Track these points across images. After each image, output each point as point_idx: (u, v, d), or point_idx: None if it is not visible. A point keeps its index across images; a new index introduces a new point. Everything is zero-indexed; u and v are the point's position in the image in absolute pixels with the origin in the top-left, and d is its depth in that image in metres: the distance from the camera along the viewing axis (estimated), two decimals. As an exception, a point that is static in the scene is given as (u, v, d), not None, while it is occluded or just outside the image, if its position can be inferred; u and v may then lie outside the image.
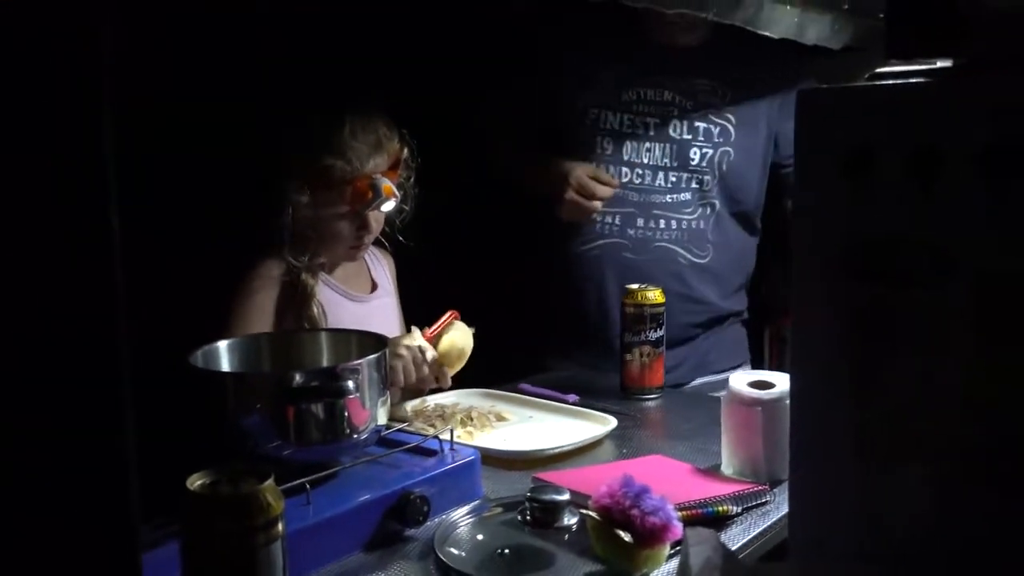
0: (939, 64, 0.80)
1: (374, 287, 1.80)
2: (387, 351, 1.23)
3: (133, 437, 0.45)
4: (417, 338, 1.58)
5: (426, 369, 1.57)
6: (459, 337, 1.63)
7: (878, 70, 0.81)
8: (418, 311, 1.72)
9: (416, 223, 1.73)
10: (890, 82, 0.79)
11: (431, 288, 1.79)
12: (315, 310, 1.63)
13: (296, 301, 1.62)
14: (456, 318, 1.64)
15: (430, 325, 1.63)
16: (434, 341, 1.60)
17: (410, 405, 1.64)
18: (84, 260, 0.44)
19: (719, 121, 1.95)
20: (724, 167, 1.96)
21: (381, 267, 1.85)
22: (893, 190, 0.76)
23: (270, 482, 0.86)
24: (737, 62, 1.93)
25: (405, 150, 1.67)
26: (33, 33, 0.41)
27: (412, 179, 1.70)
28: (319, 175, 1.57)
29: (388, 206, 1.63)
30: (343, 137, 1.57)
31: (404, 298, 1.88)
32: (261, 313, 1.60)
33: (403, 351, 1.54)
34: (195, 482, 0.86)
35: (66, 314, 0.44)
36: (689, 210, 1.95)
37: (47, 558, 0.45)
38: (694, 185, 1.95)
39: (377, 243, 1.77)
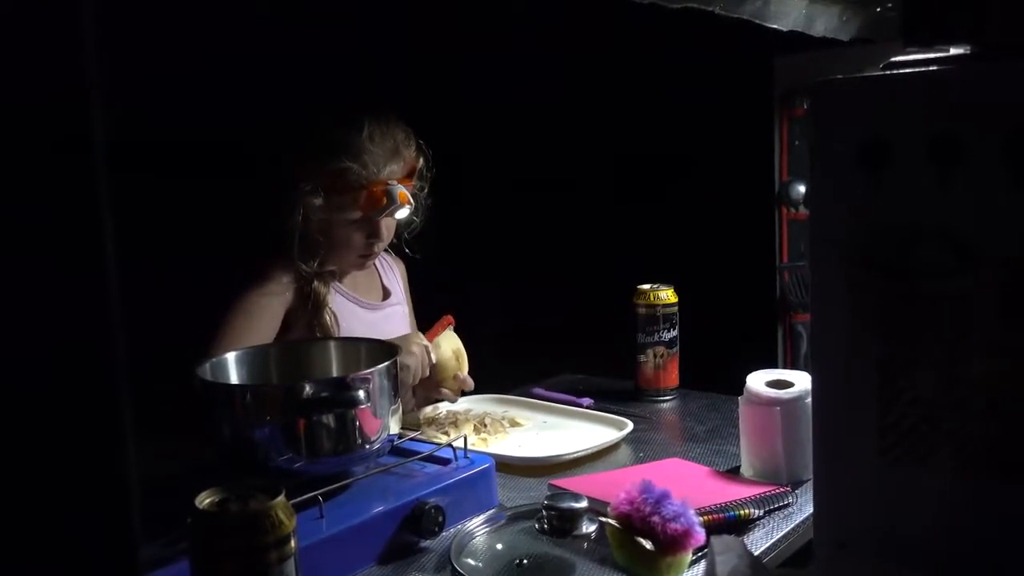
0: (953, 52, 0.78)
1: (386, 295, 1.78)
2: (400, 351, 1.21)
3: (133, 453, 0.43)
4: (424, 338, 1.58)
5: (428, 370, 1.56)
6: (454, 343, 1.62)
7: (893, 59, 0.79)
8: (431, 319, 1.70)
9: (426, 232, 1.71)
10: (907, 71, 0.77)
11: (442, 296, 1.78)
12: (327, 318, 1.61)
13: (308, 309, 1.60)
14: (451, 324, 1.62)
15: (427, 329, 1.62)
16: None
17: (422, 413, 1.62)
18: (74, 265, 0.42)
19: None
20: None
21: (393, 274, 1.83)
22: (911, 180, 0.75)
23: (281, 499, 0.83)
24: None
25: (421, 160, 1.65)
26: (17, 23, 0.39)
27: (425, 190, 1.68)
28: (334, 178, 1.55)
29: (402, 213, 1.62)
30: (361, 141, 1.55)
31: (415, 306, 1.86)
32: (267, 316, 1.57)
33: (416, 348, 1.53)
34: (204, 500, 0.84)
35: (57, 324, 0.42)
36: None
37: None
38: None
39: (387, 250, 1.75)
